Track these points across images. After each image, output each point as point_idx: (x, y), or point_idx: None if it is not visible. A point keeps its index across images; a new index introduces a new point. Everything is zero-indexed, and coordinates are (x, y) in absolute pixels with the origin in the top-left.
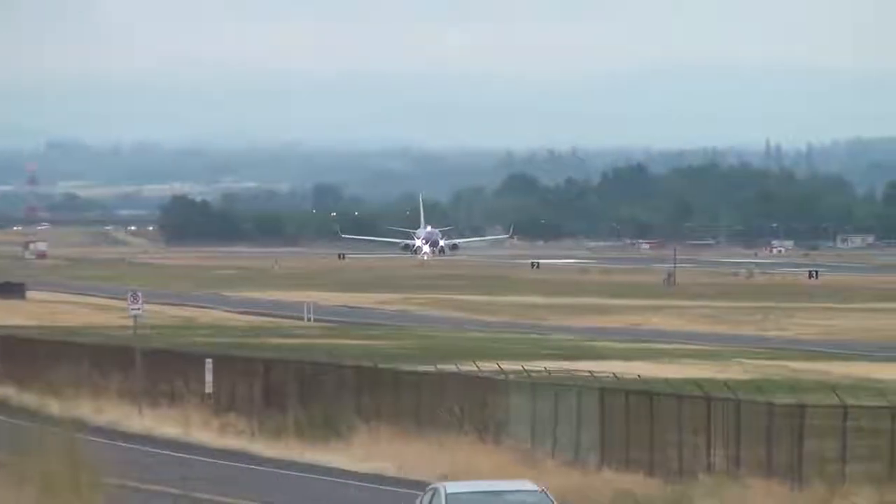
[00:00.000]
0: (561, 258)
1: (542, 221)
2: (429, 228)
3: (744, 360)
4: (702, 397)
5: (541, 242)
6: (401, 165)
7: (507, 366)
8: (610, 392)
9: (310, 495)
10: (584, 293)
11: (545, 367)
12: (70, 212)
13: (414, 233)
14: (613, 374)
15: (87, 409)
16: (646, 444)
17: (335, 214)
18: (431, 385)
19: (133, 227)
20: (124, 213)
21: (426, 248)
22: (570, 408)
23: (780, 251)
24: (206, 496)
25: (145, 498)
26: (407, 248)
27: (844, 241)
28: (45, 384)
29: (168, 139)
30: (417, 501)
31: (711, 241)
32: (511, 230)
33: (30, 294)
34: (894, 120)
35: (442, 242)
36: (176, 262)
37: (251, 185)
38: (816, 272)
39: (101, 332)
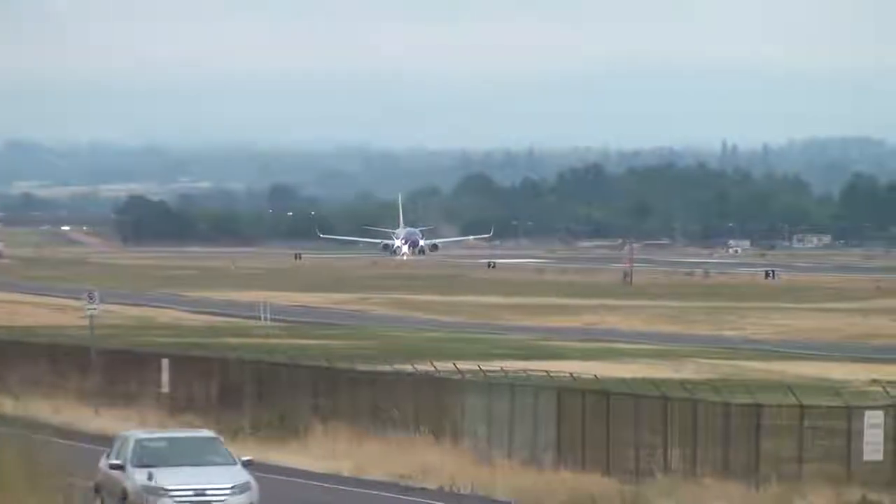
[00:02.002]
0: (517, 258)
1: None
2: (408, 228)
3: (700, 360)
4: (658, 397)
5: (497, 242)
6: (356, 166)
7: (463, 366)
8: (566, 392)
9: (265, 495)
10: (541, 293)
11: (502, 367)
12: (26, 212)
13: (393, 233)
14: (570, 373)
15: (44, 410)
16: (602, 444)
17: (291, 214)
18: (388, 385)
19: (89, 228)
20: (81, 213)
21: (405, 249)
22: (527, 408)
23: (736, 251)
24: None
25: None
26: (386, 248)
27: (801, 241)
28: (0, 384)
29: (124, 139)
30: (108, 451)
31: (667, 241)
32: (492, 231)
33: None
34: (851, 120)
35: (422, 242)
36: (132, 262)
37: (207, 185)
38: (773, 272)
39: (58, 332)
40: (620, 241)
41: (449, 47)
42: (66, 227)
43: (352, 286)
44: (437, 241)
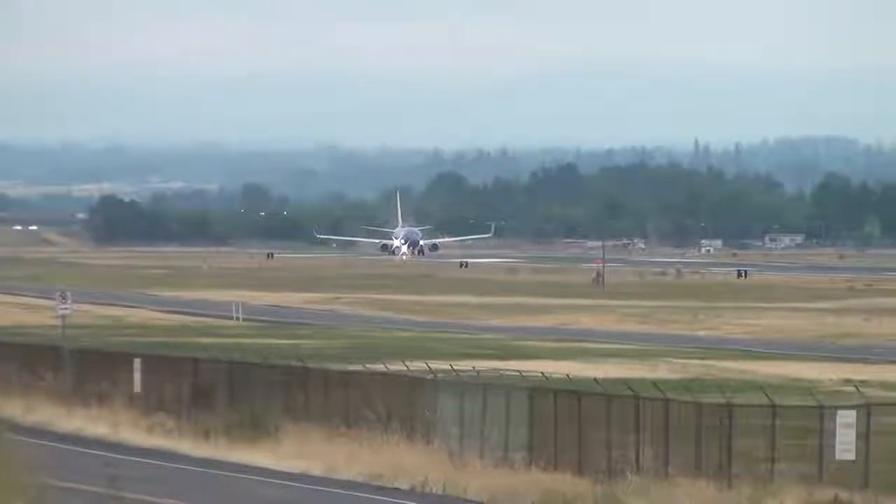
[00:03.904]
0: (490, 258)
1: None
2: (407, 228)
3: (673, 360)
4: (631, 397)
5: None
6: (328, 165)
7: (435, 365)
8: (539, 392)
9: (237, 495)
10: (513, 293)
11: (474, 367)
12: None
13: (392, 232)
14: (542, 373)
15: (16, 409)
16: (575, 444)
17: (263, 214)
18: (360, 385)
19: (62, 228)
20: (53, 213)
21: (405, 249)
22: (499, 407)
23: (708, 251)
24: (134, 496)
25: (73, 497)
26: (385, 248)
27: (773, 240)
28: None
29: (96, 139)
30: None
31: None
32: (493, 229)
33: None
34: (823, 119)
35: (422, 242)
36: (105, 262)
37: (179, 184)
38: (745, 272)
39: (30, 331)
40: (625, 240)
41: (421, 47)
42: (37, 228)
43: (324, 286)
44: (437, 240)
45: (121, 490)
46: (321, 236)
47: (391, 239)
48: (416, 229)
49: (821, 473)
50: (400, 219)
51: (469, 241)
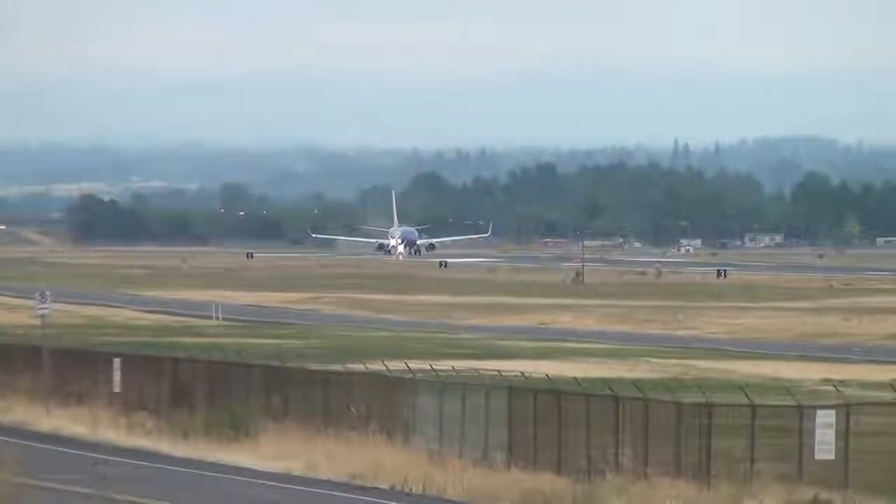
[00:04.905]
0: (469, 257)
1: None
2: (404, 227)
3: (652, 360)
4: (610, 397)
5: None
6: (307, 165)
7: (415, 365)
8: (518, 391)
9: (217, 494)
10: (493, 292)
11: (453, 367)
12: None
13: (388, 231)
14: (521, 373)
15: None
16: (554, 444)
17: (243, 213)
18: (340, 384)
19: (42, 227)
20: (33, 212)
21: (401, 249)
22: (478, 407)
23: (688, 250)
24: (116, 496)
25: (51, 497)
26: (381, 247)
27: (753, 240)
28: None
29: (76, 139)
30: None
31: (620, 240)
32: (489, 229)
33: None
34: (803, 119)
35: (418, 242)
36: (85, 262)
37: (159, 184)
38: (725, 271)
39: (9, 331)
40: (620, 240)
41: (400, 47)
42: (17, 227)
43: (304, 285)
44: (434, 240)
45: (103, 490)
46: (316, 235)
47: (387, 238)
48: (413, 229)
49: (800, 473)
50: (396, 218)
51: (464, 241)
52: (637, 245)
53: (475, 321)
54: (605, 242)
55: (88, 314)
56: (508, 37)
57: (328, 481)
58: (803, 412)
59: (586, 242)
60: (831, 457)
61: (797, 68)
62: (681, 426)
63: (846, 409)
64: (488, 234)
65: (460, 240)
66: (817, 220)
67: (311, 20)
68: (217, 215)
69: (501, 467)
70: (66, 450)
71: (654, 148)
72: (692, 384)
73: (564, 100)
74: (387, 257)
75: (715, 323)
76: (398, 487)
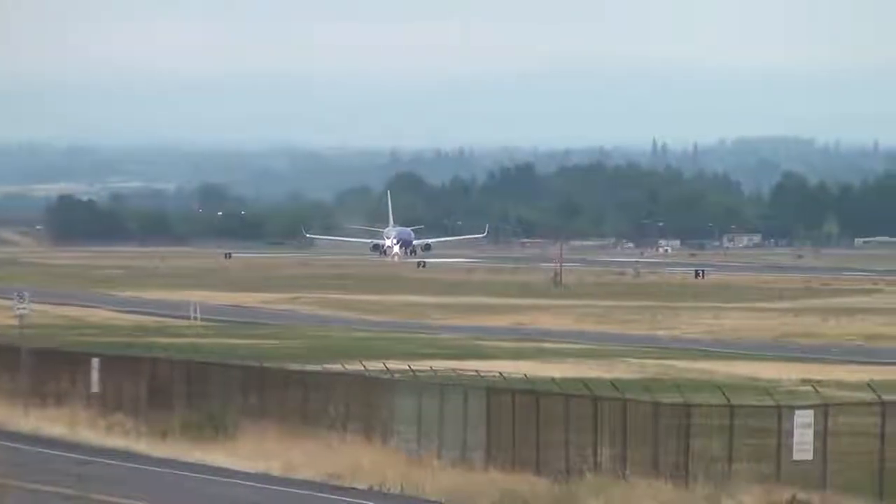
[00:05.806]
0: (448, 257)
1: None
2: (400, 228)
3: (631, 360)
4: (588, 397)
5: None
6: (285, 165)
7: (393, 365)
8: (496, 392)
9: (195, 494)
10: (472, 292)
11: (431, 367)
12: None
13: (383, 231)
14: (500, 373)
15: None
16: (532, 444)
17: (221, 213)
18: (318, 385)
19: (20, 227)
20: (11, 213)
21: (397, 249)
22: (457, 407)
23: (666, 251)
24: (94, 496)
25: (30, 496)
26: (376, 248)
27: (731, 240)
28: None
29: (54, 139)
30: None
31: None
32: (486, 229)
33: None
34: (780, 119)
35: (415, 242)
36: (63, 262)
37: (137, 184)
38: (703, 271)
39: None
40: (614, 240)
41: (378, 48)
42: None
43: (282, 285)
44: (430, 241)
45: (83, 491)
46: (310, 236)
47: (383, 238)
48: (409, 229)
49: (778, 473)
50: (391, 219)
51: (461, 242)
52: (630, 246)
53: (454, 321)
54: (596, 243)
55: (67, 314)
56: (486, 38)
57: (307, 481)
58: (782, 412)
59: (574, 243)
60: (809, 457)
61: (775, 69)
62: (659, 426)
63: (824, 410)
64: (485, 234)
65: (458, 240)
66: (795, 220)
67: (290, 21)
68: (195, 215)
69: (480, 467)
70: (44, 450)
71: (632, 148)
72: (671, 384)
73: (543, 100)
74: (382, 258)
75: (693, 323)
76: (376, 488)
